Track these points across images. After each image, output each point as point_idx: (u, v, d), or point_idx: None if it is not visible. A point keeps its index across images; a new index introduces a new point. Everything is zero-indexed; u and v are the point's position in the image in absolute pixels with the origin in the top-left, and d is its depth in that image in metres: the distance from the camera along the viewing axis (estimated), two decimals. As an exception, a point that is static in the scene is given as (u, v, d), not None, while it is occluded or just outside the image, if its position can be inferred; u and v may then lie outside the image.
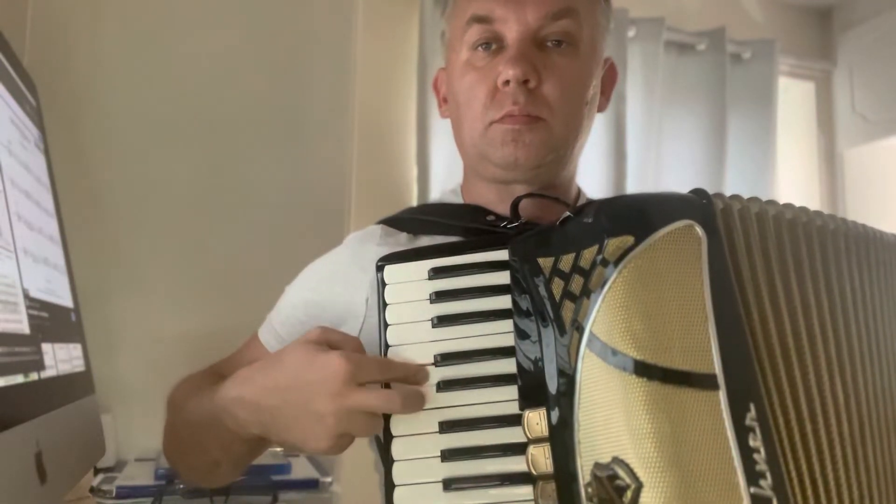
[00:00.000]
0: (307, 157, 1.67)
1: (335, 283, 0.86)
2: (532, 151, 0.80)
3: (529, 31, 0.79)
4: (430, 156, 2.09)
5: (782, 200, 0.69)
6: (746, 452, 0.54)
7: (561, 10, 0.79)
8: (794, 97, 2.80)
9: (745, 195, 0.68)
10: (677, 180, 2.46)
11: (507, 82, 0.78)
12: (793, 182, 2.75)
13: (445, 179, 2.09)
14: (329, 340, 0.66)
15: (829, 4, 2.79)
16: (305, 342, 0.66)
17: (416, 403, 0.63)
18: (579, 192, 0.93)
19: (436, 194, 2.06)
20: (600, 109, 0.90)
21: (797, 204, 0.70)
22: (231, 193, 1.59)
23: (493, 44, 0.81)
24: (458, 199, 0.92)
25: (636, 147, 2.38)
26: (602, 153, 2.32)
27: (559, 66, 0.80)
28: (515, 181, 0.83)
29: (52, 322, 0.85)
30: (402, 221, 0.89)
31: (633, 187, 2.34)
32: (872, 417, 0.65)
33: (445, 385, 0.64)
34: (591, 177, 2.30)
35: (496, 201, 0.86)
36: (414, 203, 2.04)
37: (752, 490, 0.54)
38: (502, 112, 0.79)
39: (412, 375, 0.65)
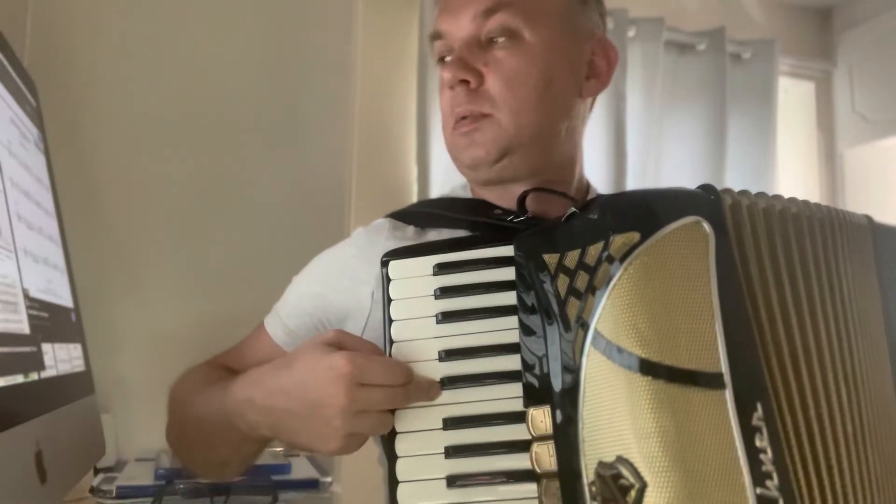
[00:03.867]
0: (307, 157, 1.67)
1: (342, 276, 0.86)
2: (485, 148, 0.82)
3: (468, 34, 0.82)
4: (430, 156, 2.09)
5: (783, 198, 0.69)
6: (753, 453, 0.54)
7: (490, 7, 0.81)
8: (794, 97, 2.80)
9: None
10: (677, 180, 2.46)
11: (451, 87, 0.82)
12: (793, 182, 2.75)
13: (445, 179, 2.09)
14: (343, 343, 0.66)
15: (829, 4, 2.79)
16: (316, 344, 0.66)
17: (421, 395, 0.64)
18: (588, 186, 0.93)
19: (438, 193, 2.06)
20: (592, 93, 0.88)
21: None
22: (231, 193, 1.59)
23: (448, 56, 0.84)
24: (468, 194, 0.93)
25: (636, 147, 2.38)
26: (602, 153, 2.33)
27: (500, 60, 0.81)
28: (490, 181, 0.85)
29: (52, 322, 0.84)
30: (410, 215, 0.89)
31: (633, 187, 2.34)
32: (872, 416, 0.65)
33: (449, 381, 0.64)
34: (592, 176, 2.28)
35: (497, 200, 0.86)
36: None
37: (759, 491, 0.53)
38: (453, 116, 0.83)
39: (417, 381, 0.65)
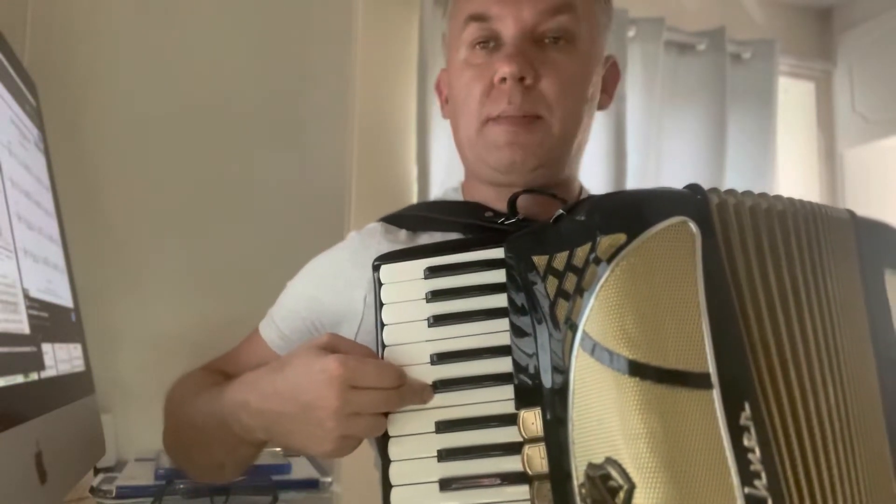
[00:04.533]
0: (307, 157, 1.67)
1: (335, 280, 0.86)
2: (529, 153, 0.79)
3: (526, 27, 0.79)
4: (430, 156, 2.09)
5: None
6: (741, 452, 0.54)
7: (558, 6, 0.79)
8: (794, 97, 2.80)
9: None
10: (677, 180, 2.45)
11: (503, 80, 0.78)
12: (793, 182, 2.75)
13: (445, 179, 2.09)
14: (336, 347, 0.66)
15: (829, 4, 2.79)
16: (310, 347, 0.66)
17: (414, 398, 0.64)
18: (581, 189, 0.93)
19: (436, 193, 2.06)
20: (602, 107, 0.89)
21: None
22: (231, 193, 1.59)
23: (490, 42, 0.81)
24: (459, 197, 0.93)
25: (636, 147, 2.39)
26: (602, 153, 2.33)
27: (557, 63, 0.79)
28: (512, 185, 0.82)
29: (52, 322, 0.85)
30: (402, 219, 0.89)
31: (632, 187, 2.33)
32: (857, 411, 0.65)
33: (442, 385, 0.65)
34: (591, 176, 2.30)
35: (495, 199, 0.86)
36: (414, 203, 2.04)
37: (747, 490, 0.53)
38: (498, 109, 0.79)
39: (410, 384, 0.65)
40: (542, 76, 0.79)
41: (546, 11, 0.79)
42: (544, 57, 0.79)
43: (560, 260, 0.62)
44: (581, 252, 0.60)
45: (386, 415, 0.64)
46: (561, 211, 0.66)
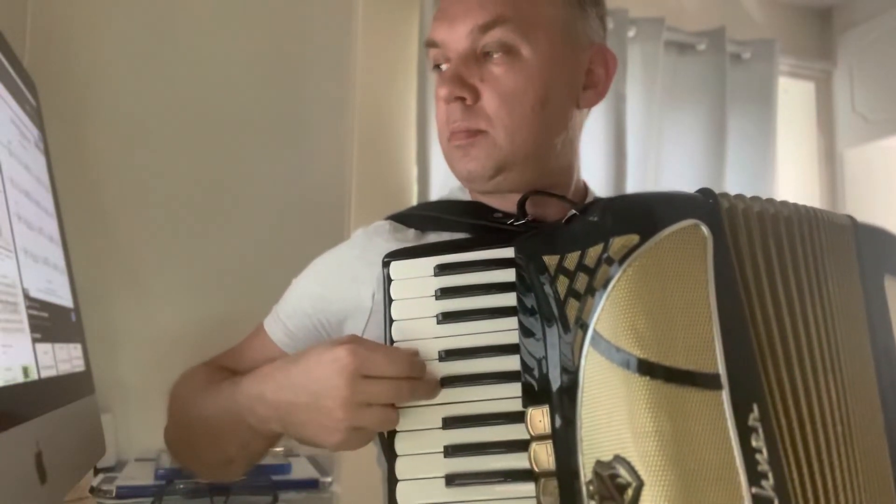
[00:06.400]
0: (307, 157, 1.67)
1: (343, 277, 0.86)
2: (480, 164, 0.81)
3: (464, 49, 0.81)
4: (430, 156, 2.09)
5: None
6: (749, 453, 0.55)
7: (489, 22, 0.79)
8: (794, 97, 2.80)
9: (746, 195, 0.68)
10: (677, 180, 2.46)
11: (447, 101, 0.81)
12: (793, 182, 2.75)
13: (445, 180, 2.09)
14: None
15: (829, 4, 2.79)
16: (329, 341, 0.66)
17: (425, 392, 0.64)
18: (586, 188, 0.93)
19: (438, 194, 2.06)
20: (592, 103, 0.87)
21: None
22: (231, 193, 1.59)
23: (444, 64, 0.83)
24: (466, 197, 0.93)
25: (636, 147, 2.38)
26: (602, 153, 2.32)
27: (496, 77, 0.80)
28: (486, 192, 0.84)
29: (52, 322, 0.84)
30: (410, 217, 0.89)
31: (633, 187, 2.34)
32: (858, 414, 0.66)
33: (449, 381, 0.65)
34: (592, 177, 2.29)
35: (496, 201, 0.86)
36: (414, 203, 2.04)
37: (754, 490, 0.54)
38: (448, 129, 0.82)
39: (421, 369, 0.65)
40: (483, 92, 0.80)
41: (478, 29, 0.80)
42: (485, 73, 0.80)
43: (571, 260, 0.62)
44: (593, 252, 0.61)
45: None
46: (573, 211, 0.66)
